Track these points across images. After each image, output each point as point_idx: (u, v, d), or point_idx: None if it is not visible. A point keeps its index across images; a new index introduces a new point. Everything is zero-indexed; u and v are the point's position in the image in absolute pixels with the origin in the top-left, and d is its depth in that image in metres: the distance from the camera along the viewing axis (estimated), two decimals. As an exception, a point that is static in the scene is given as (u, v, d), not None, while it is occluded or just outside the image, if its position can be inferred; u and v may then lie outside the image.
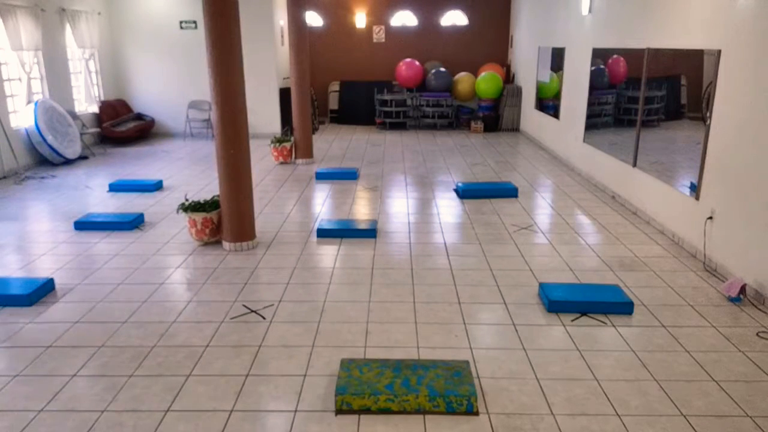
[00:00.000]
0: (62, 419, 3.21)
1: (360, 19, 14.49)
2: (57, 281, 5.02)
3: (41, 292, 4.70)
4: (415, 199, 7.71)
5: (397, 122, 13.97)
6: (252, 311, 4.50)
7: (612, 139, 8.05)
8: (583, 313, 4.44)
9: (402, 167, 9.70)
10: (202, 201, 5.91)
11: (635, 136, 7.06)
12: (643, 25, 6.93)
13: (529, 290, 4.88)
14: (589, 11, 8.82)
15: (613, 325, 4.28)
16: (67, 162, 9.82)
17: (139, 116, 12.47)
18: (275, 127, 12.64)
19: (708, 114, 5.46)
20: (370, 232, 6.17)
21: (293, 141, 10.02)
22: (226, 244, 5.86)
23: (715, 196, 5.32)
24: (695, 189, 5.65)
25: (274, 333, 4.16)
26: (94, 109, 11.45)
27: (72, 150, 9.83)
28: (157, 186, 8.22)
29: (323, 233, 6.19)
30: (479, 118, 13.69)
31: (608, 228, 6.50)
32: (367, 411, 3.27)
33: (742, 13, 4.96)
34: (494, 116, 13.68)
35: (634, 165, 7.07)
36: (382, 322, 4.31)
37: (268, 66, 12.28)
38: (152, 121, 12.54)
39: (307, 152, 10.12)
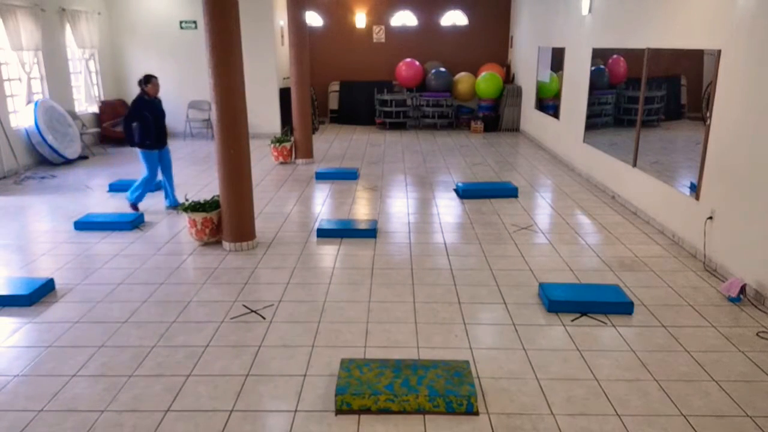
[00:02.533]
0: (62, 419, 3.21)
1: (360, 19, 14.49)
2: (57, 281, 5.02)
3: (41, 292, 4.70)
4: (415, 199, 7.71)
5: (397, 122, 13.97)
6: (252, 311, 4.50)
7: (612, 139, 8.05)
8: (583, 313, 4.44)
9: (402, 167, 9.70)
10: (202, 201, 5.91)
11: (635, 136, 7.06)
12: (643, 25, 6.93)
13: (529, 290, 4.88)
14: (589, 11, 8.82)
15: (613, 325, 4.28)
16: (67, 162, 9.82)
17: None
18: (275, 127, 12.64)
19: (708, 114, 5.46)
20: (370, 232, 6.17)
21: (293, 141, 10.02)
22: (226, 244, 5.86)
23: (715, 196, 5.32)
24: (695, 189, 5.65)
25: (274, 333, 4.16)
26: (94, 109, 11.45)
27: (72, 150, 9.83)
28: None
29: (323, 233, 6.19)
30: (479, 118, 13.69)
31: (608, 228, 6.50)
32: (367, 411, 3.27)
33: (742, 13, 4.96)
34: (494, 116, 13.68)
35: (634, 165, 7.07)
36: (382, 322, 4.31)
37: (268, 66, 12.28)
38: (152, 121, 12.52)
39: (307, 152, 10.12)
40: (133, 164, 9.91)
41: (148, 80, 6.90)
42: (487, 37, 14.62)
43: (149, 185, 7.13)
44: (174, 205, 7.17)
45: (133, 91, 12.50)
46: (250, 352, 3.90)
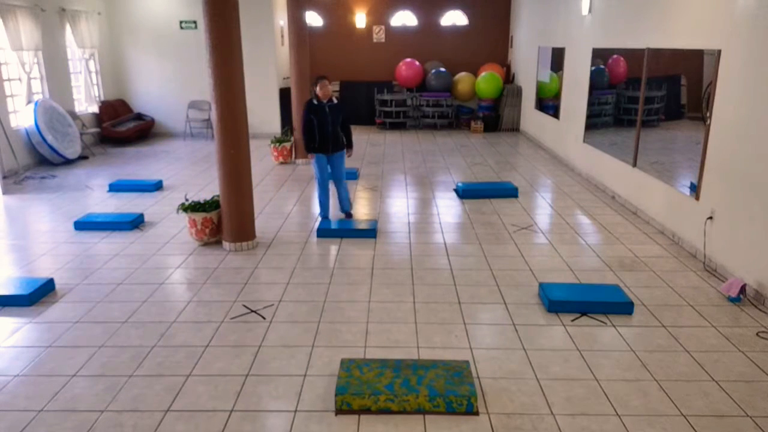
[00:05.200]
0: (62, 419, 3.22)
1: (360, 19, 14.48)
2: (57, 281, 5.02)
3: (41, 292, 4.70)
4: (415, 199, 7.71)
5: (397, 122, 13.97)
6: (252, 311, 4.50)
7: (612, 139, 8.05)
8: (583, 313, 4.44)
9: (402, 167, 9.70)
10: (202, 201, 5.91)
11: (635, 136, 7.06)
12: (643, 25, 6.92)
13: (529, 290, 4.88)
14: (589, 11, 8.82)
15: (613, 325, 4.28)
16: (67, 162, 9.81)
17: (139, 116, 12.47)
18: (275, 127, 12.64)
19: (708, 114, 5.46)
20: (370, 232, 6.17)
21: (293, 141, 10.02)
22: (226, 244, 5.86)
23: (715, 196, 5.32)
24: (695, 189, 5.65)
25: (274, 333, 4.16)
26: (94, 109, 11.44)
27: (72, 150, 9.82)
28: (157, 186, 8.22)
29: (323, 233, 6.19)
30: (479, 118, 13.69)
31: (608, 228, 6.50)
32: (367, 411, 3.27)
33: (742, 13, 4.95)
34: (494, 116, 13.68)
35: (634, 165, 7.07)
36: (382, 322, 4.31)
37: (268, 66, 12.28)
38: (152, 121, 12.54)
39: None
40: (133, 164, 9.91)
41: (315, 82, 6.37)
42: (487, 37, 14.61)
43: (321, 191, 6.64)
44: (322, 216, 6.71)
45: (132, 91, 12.55)
46: (250, 352, 3.90)
